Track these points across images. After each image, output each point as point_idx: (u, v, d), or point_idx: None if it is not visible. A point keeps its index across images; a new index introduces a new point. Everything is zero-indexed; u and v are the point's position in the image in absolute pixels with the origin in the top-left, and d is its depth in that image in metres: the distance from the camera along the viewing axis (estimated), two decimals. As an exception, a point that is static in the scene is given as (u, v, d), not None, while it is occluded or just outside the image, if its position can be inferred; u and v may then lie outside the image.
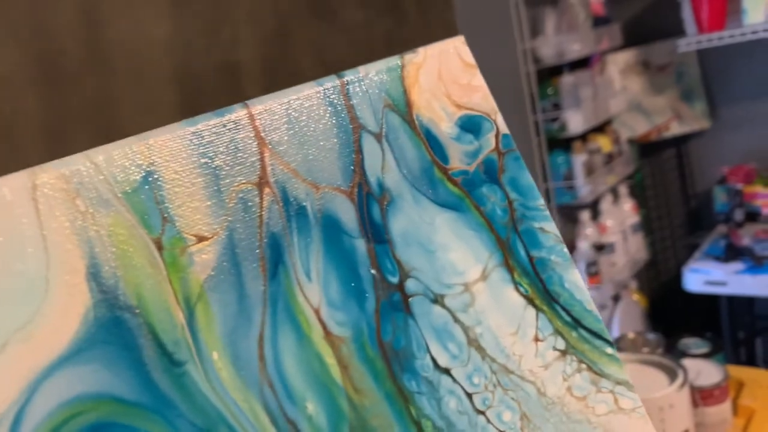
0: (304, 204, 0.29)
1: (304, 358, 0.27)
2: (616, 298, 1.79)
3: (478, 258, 0.31)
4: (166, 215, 0.27)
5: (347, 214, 0.30)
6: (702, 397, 0.87)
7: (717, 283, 1.59)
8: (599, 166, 1.71)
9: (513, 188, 0.33)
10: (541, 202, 0.34)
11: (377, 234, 0.30)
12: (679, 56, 1.96)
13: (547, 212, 0.33)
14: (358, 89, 0.32)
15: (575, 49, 1.61)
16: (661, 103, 2.04)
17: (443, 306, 0.30)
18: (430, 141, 0.32)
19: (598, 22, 1.81)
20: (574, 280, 0.32)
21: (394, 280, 0.30)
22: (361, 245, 0.30)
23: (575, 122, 1.57)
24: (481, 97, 0.34)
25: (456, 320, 0.30)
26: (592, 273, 1.63)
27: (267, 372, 0.27)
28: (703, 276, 1.62)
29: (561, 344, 0.31)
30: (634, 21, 2.04)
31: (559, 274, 0.32)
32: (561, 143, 1.66)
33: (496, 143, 0.34)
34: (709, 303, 1.83)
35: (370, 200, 0.30)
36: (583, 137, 1.70)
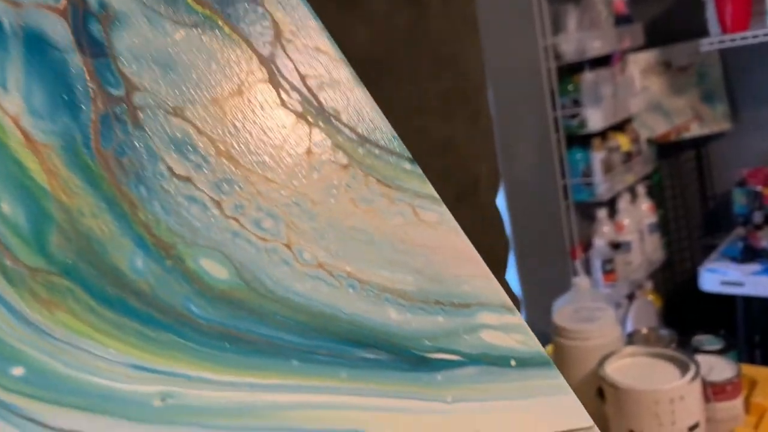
0: (1, 21, 0.28)
1: None
2: (630, 297, 1.79)
3: (232, 74, 0.29)
4: None
5: (58, 31, 0.28)
6: (714, 392, 0.88)
7: (733, 284, 1.58)
8: (617, 165, 1.71)
9: (280, 7, 0.30)
10: (319, 25, 0.31)
11: (97, 50, 0.28)
12: (701, 57, 1.95)
13: (327, 33, 0.31)
14: None
15: (596, 47, 1.61)
16: (682, 104, 2.03)
17: (184, 119, 0.28)
18: None
19: (620, 21, 1.81)
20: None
21: (118, 92, 0.28)
22: (74, 60, 0.28)
23: (595, 119, 1.57)
24: None
25: (201, 132, 0.28)
26: (608, 270, 1.63)
27: None
28: (719, 276, 1.61)
29: (343, 159, 0.29)
30: (656, 21, 2.03)
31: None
32: (580, 140, 1.67)
33: None
34: (725, 305, 1.82)
35: (87, 18, 0.29)
36: (603, 135, 1.70)
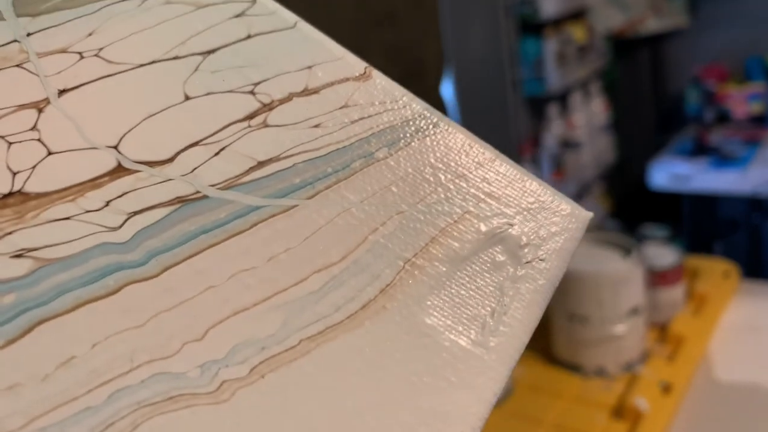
0: None
1: None
2: (578, 197, 1.76)
3: None
4: None
5: None
6: (656, 278, 0.85)
7: (681, 178, 1.56)
8: (571, 57, 1.63)
9: None
10: None
11: None
12: (663, -55, 1.85)
13: None
14: None
15: (553, -74, 1.49)
16: (640, -2, 1.94)
17: None
18: None
19: None
20: None
21: None
22: None
23: (548, 5, 1.48)
24: None
25: None
26: (557, 168, 1.58)
27: None
28: (667, 171, 1.59)
29: None
30: None
31: None
32: (532, 30, 1.57)
33: None
34: (674, 208, 1.81)
35: None
36: (556, 25, 1.61)
